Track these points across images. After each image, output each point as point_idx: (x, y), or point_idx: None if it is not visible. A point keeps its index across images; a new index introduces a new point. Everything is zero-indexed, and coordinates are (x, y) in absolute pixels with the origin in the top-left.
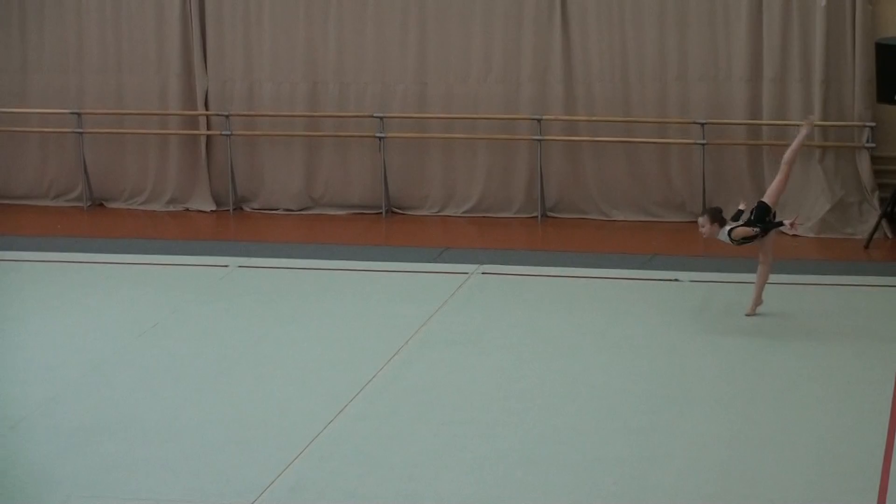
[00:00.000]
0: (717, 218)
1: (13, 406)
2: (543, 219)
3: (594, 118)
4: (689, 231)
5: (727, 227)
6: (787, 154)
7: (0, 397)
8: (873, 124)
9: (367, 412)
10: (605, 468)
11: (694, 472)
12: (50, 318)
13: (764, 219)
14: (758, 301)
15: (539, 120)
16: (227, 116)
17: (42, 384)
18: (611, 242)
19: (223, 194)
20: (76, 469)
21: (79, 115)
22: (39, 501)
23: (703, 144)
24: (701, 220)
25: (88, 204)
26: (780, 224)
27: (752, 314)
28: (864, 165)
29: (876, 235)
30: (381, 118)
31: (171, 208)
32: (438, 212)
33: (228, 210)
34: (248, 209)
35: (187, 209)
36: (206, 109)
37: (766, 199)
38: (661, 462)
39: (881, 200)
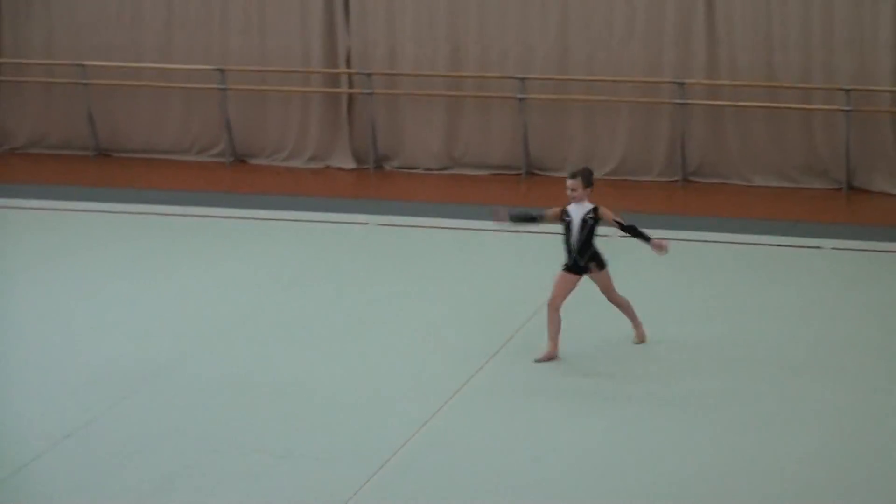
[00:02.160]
0: (590, 181)
1: (156, 355)
2: (684, 183)
3: (737, 83)
4: (831, 199)
5: (591, 204)
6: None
7: (143, 348)
8: None
9: (501, 372)
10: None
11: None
12: (192, 272)
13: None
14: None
15: (681, 84)
16: (368, 75)
17: (182, 337)
18: (752, 208)
19: (364, 152)
20: (210, 422)
21: (222, 71)
22: (176, 452)
23: (847, 111)
24: (571, 182)
25: (231, 160)
26: (647, 239)
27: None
28: None
29: None
30: (522, 80)
31: (312, 165)
32: None
33: (369, 168)
34: (389, 167)
35: (328, 166)
36: (348, 69)
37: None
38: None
39: None
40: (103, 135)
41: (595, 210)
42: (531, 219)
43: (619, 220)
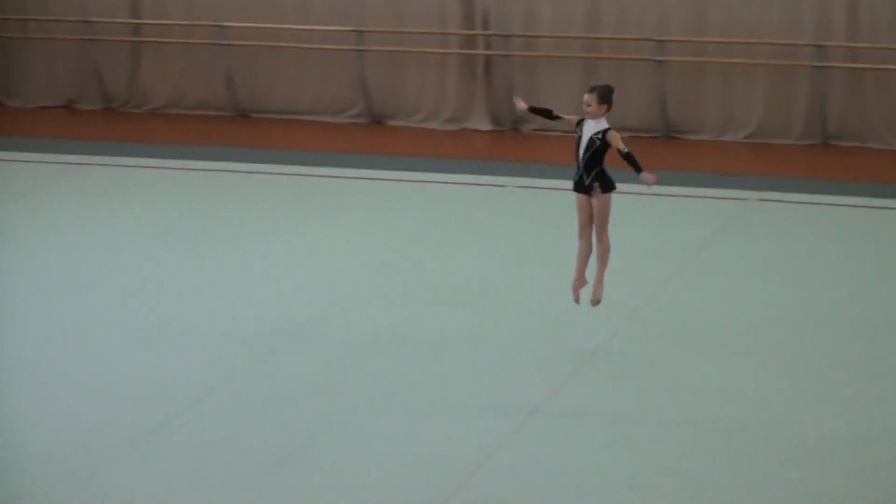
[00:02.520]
0: (608, 99)
1: (297, 313)
2: (824, 146)
3: (879, 46)
4: None
5: (606, 125)
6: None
7: (284, 306)
8: None
9: (638, 335)
10: None
11: None
12: (329, 232)
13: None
14: (599, 285)
15: (821, 46)
16: (505, 37)
17: (322, 296)
18: (894, 172)
19: (500, 114)
20: (352, 379)
21: (360, 32)
22: (318, 408)
23: None
24: (588, 96)
25: (368, 121)
26: (639, 170)
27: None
28: None
29: None
30: (659, 42)
31: (449, 127)
32: (716, 137)
33: (505, 130)
34: (525, 129)
35: (465, 128)
36: (485, 31)
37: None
38: None
39: None
40: (242, 95)
41: (606, 131)
42: (547, 113)
43: (620, 146)
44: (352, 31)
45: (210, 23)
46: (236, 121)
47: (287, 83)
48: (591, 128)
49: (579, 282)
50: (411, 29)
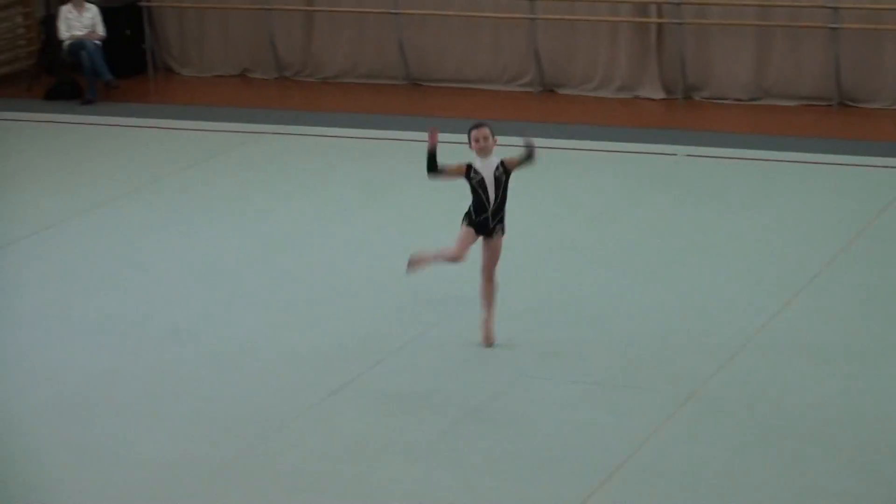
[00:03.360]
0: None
1: (468, 282)
2: None
3: None
4: None
5: (497, 157)
6: None
7: (457, 274)
8: None
9: (812, 306)
10: None
11: None
12: None
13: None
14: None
15: None
16: (678, 4)
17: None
18: None
19: (673, 82)
20: (527, 350)
21: (533, 1)
22: (490, 377)
23: None
24: (481, 131)
25: (539, 89)
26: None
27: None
28: None
29: None
30: (834, 9)
31: (621, 95)
32: (892, 105)
33: (677, 98)
34: (698, 98)
35: (636, 96)
36: None
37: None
38: None
39: None
40: (413, 64)
41: (501, 163)
42: (432, 162)
43: (517, 157)
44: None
45: None
46: (408, 89)
47: (459, 51)
48: (489, 165)
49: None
50: None
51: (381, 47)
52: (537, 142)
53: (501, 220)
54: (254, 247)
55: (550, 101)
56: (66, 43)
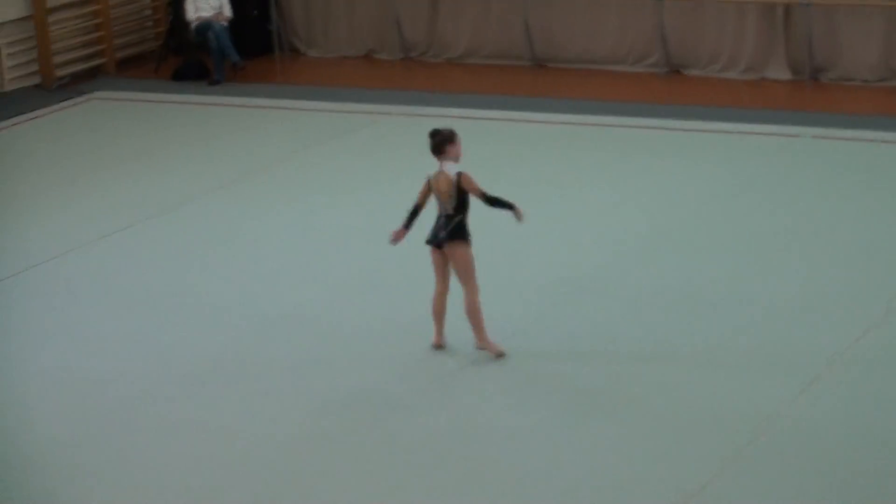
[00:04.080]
0: (448, 141)
1: (587, 264)
2: None
3: None
4: None
5: (457, 169)
6: None
7: (575, 257)
8: None
9: None
10: None
11: None
12: (621, 183)
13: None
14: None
15: None
16: None
17: (614, 247)
18: None
19: (800, 63)
20: (644, 332)
21: None
22: (606, 361)
23: None
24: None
25: (665, 70)
26: (511, 207)
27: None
28: None
29: None
30: None
31: (747, 76)
32: None
33: (804, 79)
34: (825, 79)
35: (763, 78)
36: None
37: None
38: None
39: None
40: (539, 45)
41: (459, 175)
42: (414, 214)
43: (479, 189)
44: None
45: None
46: (533, 70)
47: (585, 32)
48: (446, 177)
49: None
50: None
51: (506, 28)
52: (662, 122)
53: (452, 230)
54: (379, 226)
55: (676, 82)
56: (194, 24)
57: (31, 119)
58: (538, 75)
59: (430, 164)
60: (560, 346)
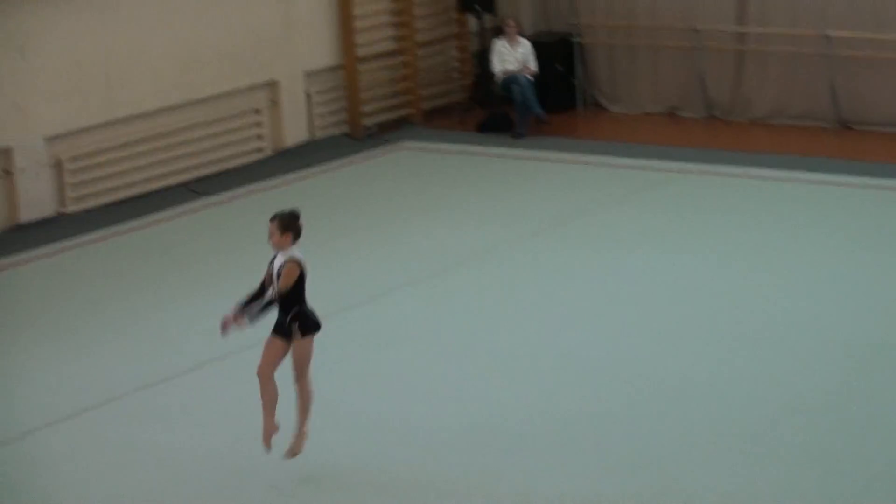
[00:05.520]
0: (291, 227)
1: None
2: None
3: None
4: None
5: (294, 253)
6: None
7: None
8: None
9: None
10: None
11: None
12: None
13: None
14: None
15: None
16: None
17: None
18: None
19: None
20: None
21: (829, 38)
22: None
23: None
24: (270, 225)
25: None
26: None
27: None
28: None
29: None
30: None
31: None
32: None
33: None
34: None
35: None
36: None
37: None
38: None
39: None
40: (845, 106)
41: (285, 263)
42: (258, 297)
43: (280, 287)
44: (821, 35)
45: (814, 32)
46: (839, 132)
47: (893, 95)
48: (279, 261)
49: (271, 427)
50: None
51: (812, 88)
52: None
53: (295, 319)
54: (676, 285)
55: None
56: (499, 77)
57: (340, 167)
58: (844, 137)
59: (727, 223)
60: (870, 409)
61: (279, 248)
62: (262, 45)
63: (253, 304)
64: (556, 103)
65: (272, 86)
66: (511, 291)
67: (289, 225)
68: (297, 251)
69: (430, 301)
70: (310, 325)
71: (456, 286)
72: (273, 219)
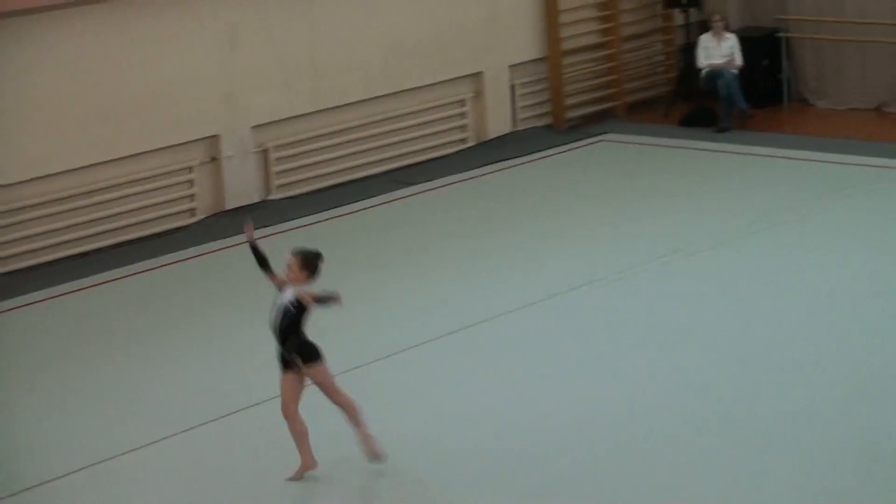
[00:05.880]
0: (311, 266)
1: None
2: None
3: None
4: None
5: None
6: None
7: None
8: None
9: None
10: None
11: None
12: None
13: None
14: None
15: None
16: None
17: None
18: None
19: None
20: None
21: None
22: None
23: None
24: (290, 258)
25: None
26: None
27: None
28: None
29: None
30: None
31: None
32: None
33: None
34: None
35: None
36: None
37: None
38: None
39: None
40: None
41: (300, 301)
42: (262, 260)
43: (309, 301)
44: None
45: None
46: None
47: None
48: (288, 295)
49: (310, 461)
50: None
51: None
52: None
53: (297, 351)
54: (882, 281)
55: None
56: (704, 71)
57: (543, 158)
58: None
59: None
60: None
61: (293, 282)
62: (468, 36)
63: (258, 254)
64: (762, 98)
65: (477, 77)
66: (728, 286)
67: (308, 263)
68: (308, 289)
69: (634, 291)
70: (311, 353)
71: (664, 276)
72: (297, 254)
